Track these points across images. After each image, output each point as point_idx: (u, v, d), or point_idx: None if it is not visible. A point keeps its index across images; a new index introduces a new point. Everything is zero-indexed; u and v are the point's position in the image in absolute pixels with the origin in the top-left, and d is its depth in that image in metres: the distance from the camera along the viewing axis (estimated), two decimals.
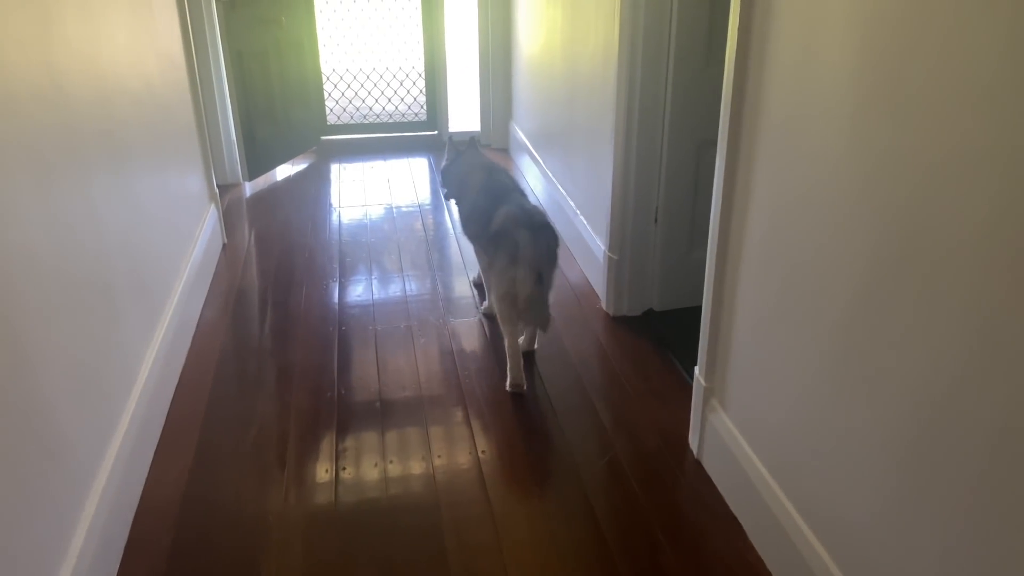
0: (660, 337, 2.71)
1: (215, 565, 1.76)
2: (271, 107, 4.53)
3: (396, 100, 5.72)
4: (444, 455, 2.12)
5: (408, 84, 5.68)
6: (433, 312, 2.93)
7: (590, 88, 3.01)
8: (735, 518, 1.87)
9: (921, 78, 1.14)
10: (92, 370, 1.77)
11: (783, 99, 1.54)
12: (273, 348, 2.68)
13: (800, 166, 1.49)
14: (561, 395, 2.40)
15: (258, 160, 4.45)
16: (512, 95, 4.93)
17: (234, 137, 4.37)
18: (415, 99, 5.62)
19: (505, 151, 5.07)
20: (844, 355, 1.39)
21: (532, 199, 2.68)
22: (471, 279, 3.19)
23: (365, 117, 5.69)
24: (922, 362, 1.18)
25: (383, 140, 5.33)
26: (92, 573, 1.58)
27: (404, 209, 4.09)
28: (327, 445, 2.16)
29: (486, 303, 2.87)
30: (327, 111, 5.27)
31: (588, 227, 3.15)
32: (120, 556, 1.76)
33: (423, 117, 5.43)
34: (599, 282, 2.96)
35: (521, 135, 4.61)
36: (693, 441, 2.11)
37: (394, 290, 3.13)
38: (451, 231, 3.77)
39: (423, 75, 5.34)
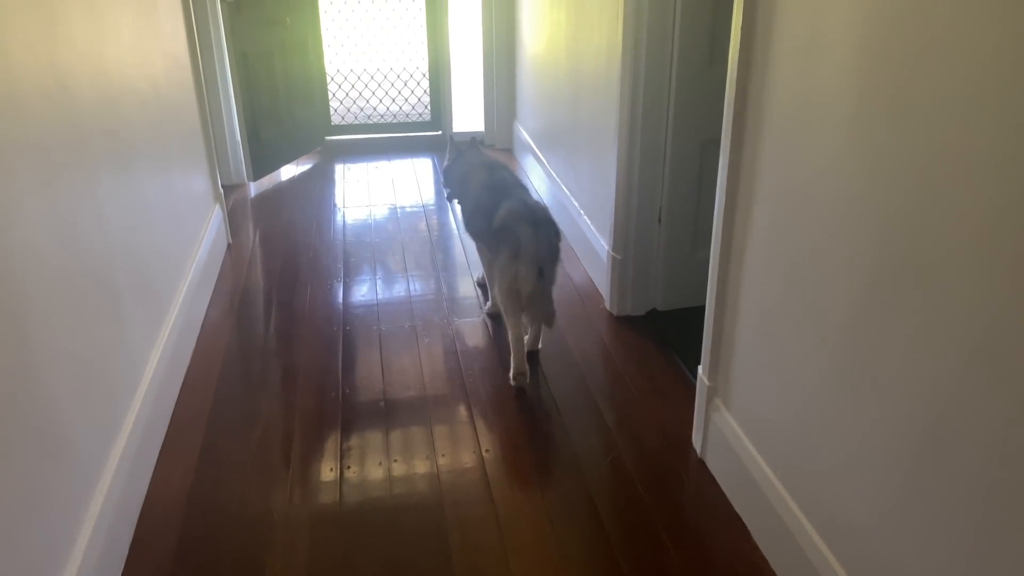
0: (664, 337, 2.71)
1: (220, 564, 1.76)
2: (276, 107, 4.54)
3: (400, 100, 5.73)
4: (448, 455, 2.12)
5: (412, 84, 5.68)
6: (437, 312, 2.93)
7: (594, 87, 3.01)
8: (739, 518, 1.87)
9: (925, 76, 1.14)
10: (97, 370, 1.77)
11: (786, 98, 1.54)
12: (278, 348, 2.69)
13: (803, 165, 1.49)
14: (565, 395, 2.40)
15: (263, 160, 4.46)
16: (516, 95, 4.93)
17: (239, 137, 4.38)
18: (419, 99, 5.63)
19: (509, 151, 5.07)
20: (848, 354, 1.39)
21: (535, 196, 2.68)
22: (475, 279, 3.19)
23: (369, 117, 5.69)
24: (927, 361, 1.18)
25: (387, 140, 5.33)
26: (97, 573, 1.58)
27: (408, 209, 4.09)
28: (331, 445, 2.17)
29: (489, 303, 2.88)
30: (331, 111, 5.27)
31: (592, 227, 3.15)
32: (125, 556, 1.77)
33: (427, 117, 5.43)
34: (603, 282, 2.96)
35: (525, 135, 4.61)
36: (697, 441, 2.11)
37: (398, 290, 3.13)
38: (455, 231, 3.77)
39: (427, 75, 5.35)
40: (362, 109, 5.74)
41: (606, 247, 2.88)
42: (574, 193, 3.47)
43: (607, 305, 2.91)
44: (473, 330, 2.80)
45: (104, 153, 1.97)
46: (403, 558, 1.77)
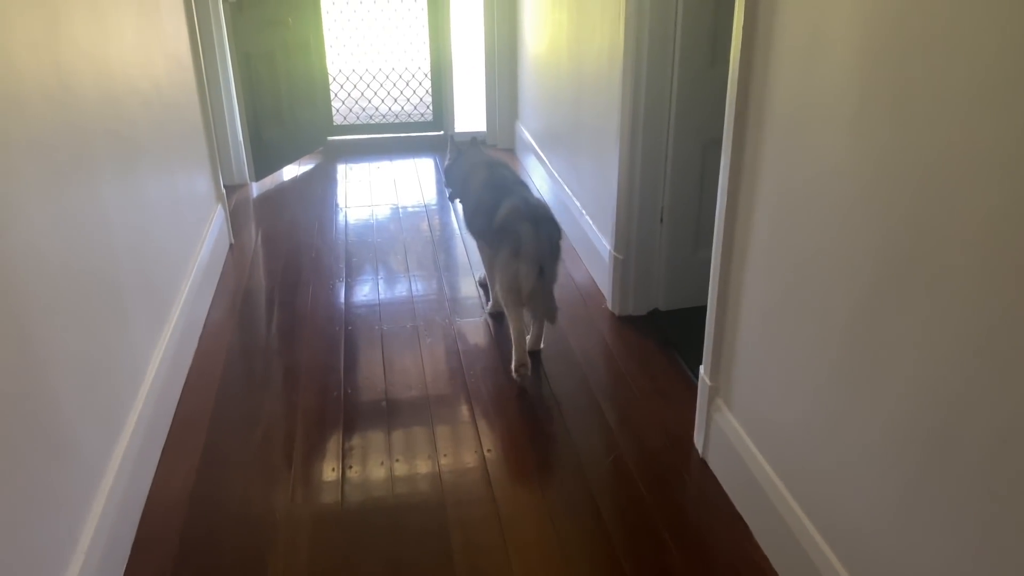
0: (665, 337, 2.71)
1: (222, 564, 1.76)
2: (278, 108, 4.54)
3: (402, 100, 5.73)
4: (450, 454, 2.13)
5: (414, 84, 5.69)
6: (439, 312, 2.94)
7: (596, 88, 3.01)
8: (741, 518, 1.87)
9: (927, 76, 1.14)
10: (100, 370, 1.78)
11: (788, 98, 1.54)
12: (280, 348, 2.69)
13: (805, 165, 1.49)
14: (567, 394, 2.40)
15: (265, 160, 4.47)
16: (518, 95, 4.93)
17: (241, 137, 4.39)
18: (421, 99, 5.63)
19: (511, 151, 5.07)
20: (851, 355, 1.39)
21: (535, 194, 2.68)
22: (477, 279, 3.19)
23: (371, 117, 5.70)
24: (930, 362, 1.18)
25: (389, 140, 5.34)
26: (100, 572, 1.59)
27: (410, 209, 4.10)
28: (334, 444, 2.17)
29: (491, 303, 2.88)
30: (333, 112, 5.28)
31: (594, 227, 3.15)
32: (128, 555, 1.78)
33: (429, 117, 5.44)
34: (604, 282, 2.96)
35: (527, 135, 4.61)
36: (698, 440, 2.11)
37: (400, 290, 3.13)
38: (457, 231, 3.77)
39: (429, 75, 5.35)
40: (364, 109, 5.75)
41: (608, 247, 2.88)
42: (576, 193, 3.47)
43: (609, 305, 2.91)
44: (475, 330, 2.81)
45: (107, 153, 1.98)
46: (405, 558, 1.78)
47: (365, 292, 3.11)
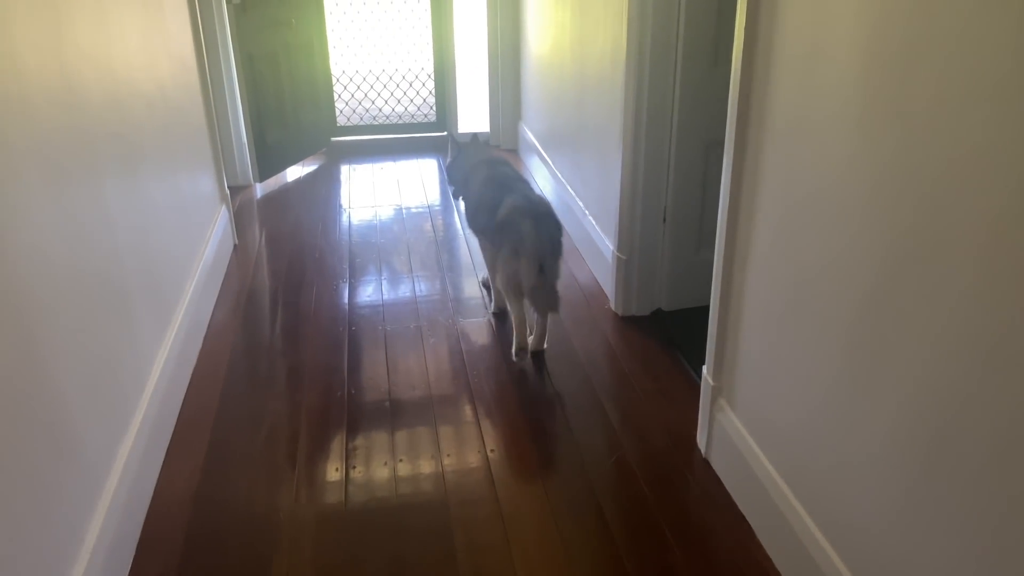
0: (668, 337, 2.71)
1: (226, 563, 1.77)
2: (281, 109, 4.55)
3: (405, 101, 5.74)
4: (453, 454, 2.13)
5: (417, 85, 5.70)
6: (443, 312, 2.94)
7: (599, 89, 3.01)
8: (743, 517, 1.87)
9: (929, 77, 1.14)
10: (104, 370, 1.78)
11: (790, 99, 1.54)
12: (284, 348, 2.70)
13: (808, 166, 1.49)
14: (570, 394, 2.41)
15: (269, 161, 4.48)
16: (521, 96, 4.93)
17: (245, 139, 4.40)
18: (424, 100, 5.64)
19: (514, 152, 5.07)
20: (853, 355, 1.39)
21: (536, 190, 2.69)
22: (480, 280, 3.20)
23: (375, 118, 5.71)
24: (933, 364, 1.18)
25: (393, 141, 5.34)
26: (104, 571, 1.60)
27: (414, 210, 4.10)
28: (337, 444, 2.18)
29: (494, 304, 2.88)
30: (337, 113, 5.29)
31: (597, 227, 3.15)
32: (132, 554, 1.78)
33: (432, 118, 5.44)
34: (608, 282, 2.96)
35: (530, 136, 4.62)
36: (701, 440, 2.12)
37: (404, 291, 3.14)
38: (460, 232, 3.77)
39: (432, 76, 5.36)
40: (367, 110, 5.76)
41: (611, 247, 2.88)
42: (579, 194, 3.47)
43: (612, 305, 2.92)
44: (478, 330, 2.81)
45: (111, 155, 1.99)
46: (408, 557, 1.78)
47: (369, 292, 3.12)
